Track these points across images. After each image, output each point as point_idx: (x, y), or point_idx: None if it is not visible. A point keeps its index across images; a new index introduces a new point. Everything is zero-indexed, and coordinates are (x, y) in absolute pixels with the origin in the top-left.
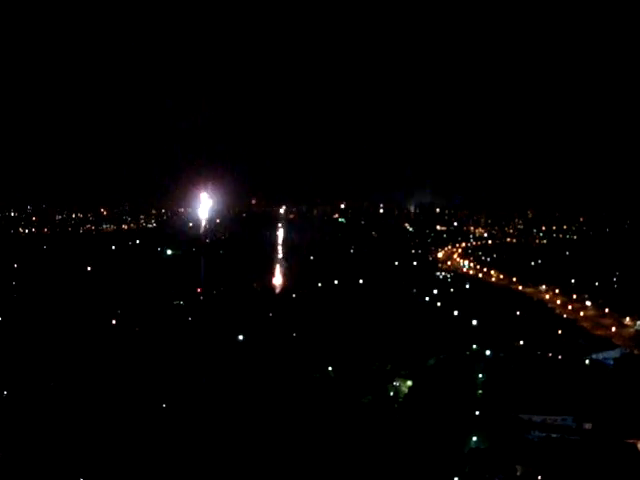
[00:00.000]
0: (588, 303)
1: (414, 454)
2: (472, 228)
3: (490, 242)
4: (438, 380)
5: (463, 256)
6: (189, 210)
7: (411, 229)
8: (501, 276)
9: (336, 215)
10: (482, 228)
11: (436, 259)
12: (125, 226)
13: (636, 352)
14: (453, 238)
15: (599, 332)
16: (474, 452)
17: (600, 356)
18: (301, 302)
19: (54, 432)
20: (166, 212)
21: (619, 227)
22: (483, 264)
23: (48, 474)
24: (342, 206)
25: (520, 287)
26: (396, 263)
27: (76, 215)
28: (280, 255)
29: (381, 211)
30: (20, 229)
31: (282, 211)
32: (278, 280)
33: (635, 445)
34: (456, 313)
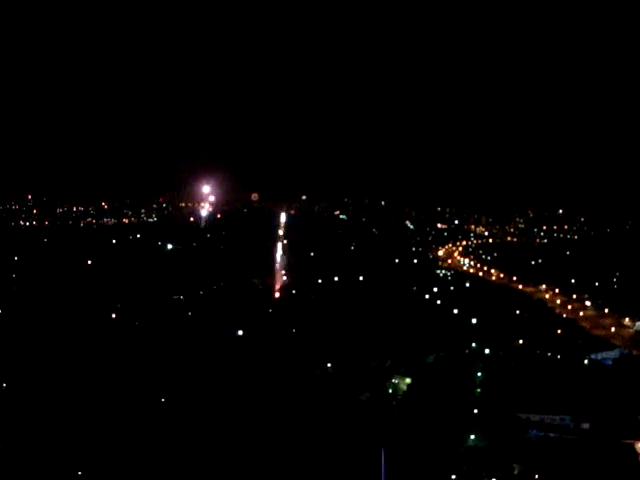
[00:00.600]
0: (588, 303)
1: (412, 452)
2: (473, 227)
3: (491, 241)
4: (437, 378)
5: (463, 254)
6: (190, 205)
7: (412, 227)
8: (501, 275)
9: (337, 212)
10: (483, 227)
11: (436, 257)
12: (126, 220)
13: (635, 353)
14: (454, 236)
15: (598, 332)
16: (472, 450)
17: (599, 356)
18: (301, 298)
19: (53, 425)
20: (167, 206)
21: (620, 227)
22: (483, 263)
23: (47, 467)
24: (343, 202)
25: (520, 286)
26: (396, 260)
27: (77, 208)
28: (280, 251)
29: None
30: (21, 222)
31: (283, 207)
32: (278, 276)
33: (632, 445)
34: (456, 311)
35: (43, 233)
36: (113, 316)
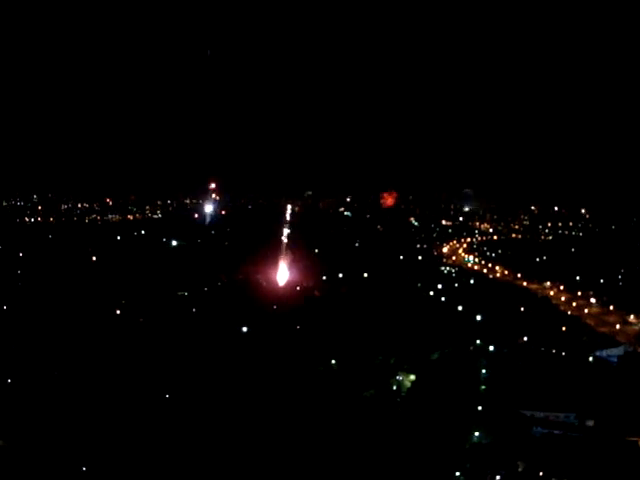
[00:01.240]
0: (593, 300)
1: (416, 449)
2: (477, 223)
3: (495, 237)
4: (441, 375)
5: (468, 251)
6: (195, 201)
7: (416, 223)
8: (506, 272)
9: (342, 209)
10: (487, 223)
11: (441, 254)
12: (130, 216)
13: None
14: (458, 233)
15: (603, 329)
16: (476, 447)
17: (604, 353)
18: (305, 295)
19: (56, 421)
20: (172, 203)
21: (625, 224)
22: (488, 259)
23: (50, 463)
24: (348, 199)
25: (525, 283)
26: (401, 257)
27: (82, 205)
28: (285, 247)
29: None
30: (26, 218)
31: (288, 204)
32: (283, 272)
33: (637, 443)
34: (460, 308)
35: (48, 230)
36: (118, 312)
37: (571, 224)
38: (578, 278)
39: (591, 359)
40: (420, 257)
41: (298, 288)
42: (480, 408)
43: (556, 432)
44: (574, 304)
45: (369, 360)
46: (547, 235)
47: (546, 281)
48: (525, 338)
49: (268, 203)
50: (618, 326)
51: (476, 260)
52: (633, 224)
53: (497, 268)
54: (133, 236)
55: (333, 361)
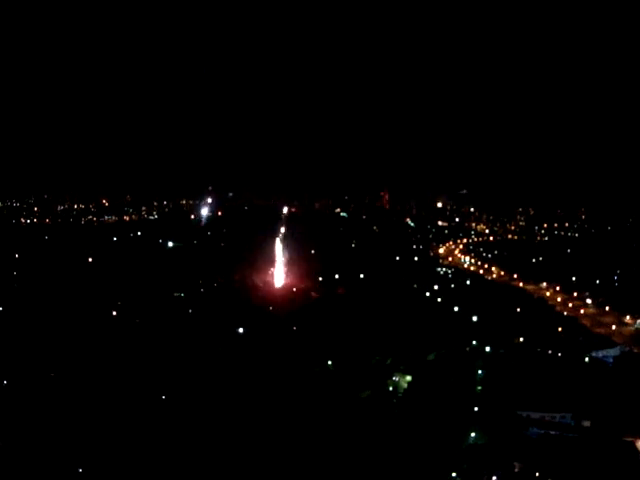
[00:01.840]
0: (589, 301)
1: (413, 449)
2: (474, 224)
3: (491, 238)
4: (437, 375)
5: (464, 252)
6: (191, 202)
7: (412, 224)
8: (502, 272)
9: (338, 209)
10: (483, 224)
11: (437, 255)
12: (127, 217)
13: (636, 350)
14: (454, 234)
15: (599, 330)
16: (472, 448)
17: (600, 354)
18: (302, 296)
19: (54, 422)
20: (168, 204)
21: (620, 225)
22: (484, 260)
23: (47, 464)
24: (345, 199)
25: (521, 284)
26: (397, 258)
27: (78, 206)
28: (281, 248)
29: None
30: (22, 219)
31: (284, 204)
32: (279, 273)
33: (633, 443)
34: (456, 309)
35: (44, 231)
36: (114, 313)
37: (567, 225)
38: (574, 279)
39: (587, 360)
40: (416, 258)
41: (294, 289)
42: (476, 409)
43: (552, 433)
44: (570, 305)
45: (365, 361)
46: (543, 236)
47: (542, 282)
48: (521, 339)
49: (264, 204)
50: (614, 327)
51: (472, 261)
52: (629, 225)
53: (493, 269)
54: (129, 237)
55: (329, 362)
